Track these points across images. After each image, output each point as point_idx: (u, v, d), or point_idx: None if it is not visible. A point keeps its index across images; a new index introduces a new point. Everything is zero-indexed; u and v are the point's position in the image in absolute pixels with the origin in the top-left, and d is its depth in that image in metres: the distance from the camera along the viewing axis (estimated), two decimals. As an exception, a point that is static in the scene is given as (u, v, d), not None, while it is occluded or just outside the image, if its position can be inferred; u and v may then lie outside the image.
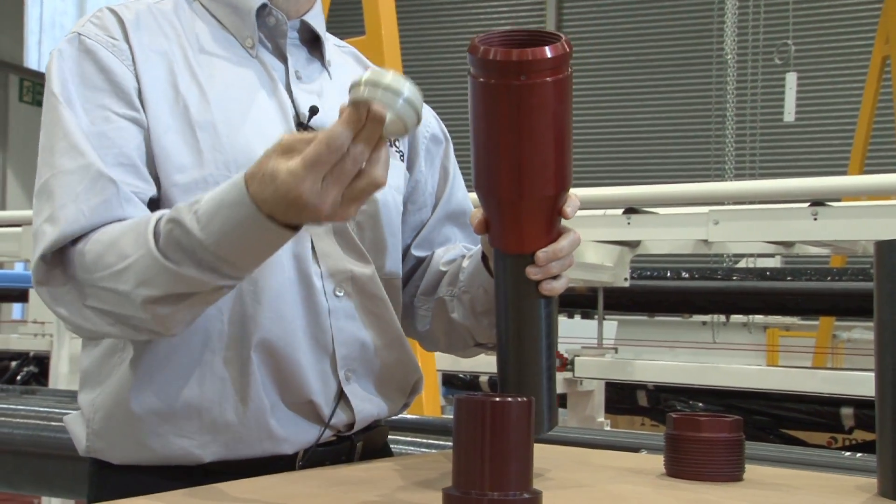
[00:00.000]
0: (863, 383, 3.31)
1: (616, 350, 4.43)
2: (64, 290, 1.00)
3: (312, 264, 1.11)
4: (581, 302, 5.40)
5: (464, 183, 1.34)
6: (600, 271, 3.96)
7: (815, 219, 3.22)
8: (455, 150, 1.35)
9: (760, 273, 5.55)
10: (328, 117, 1.11)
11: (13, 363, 5.21)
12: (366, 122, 0.86)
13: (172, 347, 1.06)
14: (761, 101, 9.18)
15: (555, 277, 1.01)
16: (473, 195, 1.11)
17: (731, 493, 0.97)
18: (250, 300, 1.07)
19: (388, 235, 1.20)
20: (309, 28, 1.20)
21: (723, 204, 3.81)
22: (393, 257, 1.21)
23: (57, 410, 2.23)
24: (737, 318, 7.71)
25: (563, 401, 4.20)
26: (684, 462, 1.02)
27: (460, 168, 1.35)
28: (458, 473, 0.83)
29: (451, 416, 0.85)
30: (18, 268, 6.79)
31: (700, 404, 4.81)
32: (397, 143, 1.25)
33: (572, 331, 5.69)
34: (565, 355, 3.95)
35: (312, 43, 1.22)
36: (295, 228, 0.92)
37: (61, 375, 4.16)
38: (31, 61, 12.43)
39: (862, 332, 7.38)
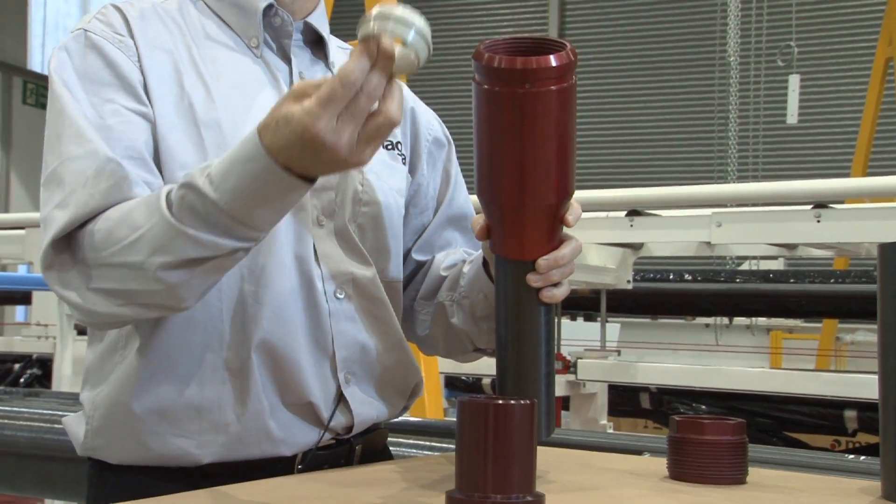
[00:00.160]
0: (866, 386, 3.31)
1: (619, 352, 4.43)
2: (72, 273, 1.00)
3: (314, 266, 1.11)
4: (584, 304, 5.41)
5: (465, 187, 1.34)
6: (603, 273, 3.96)
7: (819, 221, 3.22)
8: (458, 153, 1.35)
9: (763, 275, 5.55)
10: None
11: (16, 365, 5.21)
12: (377, 56, 0.86)
13: (173, 346, 1.06)
14: (764, 104, 9.17)
15: (555, 285, 1.01)
16: (475, 199, 1.11)
17: (734, 496, 0.97)
18: (251, 300, 1.07)
19: (389, 238, 1.20)
20: (313, 29, 1.20)
21: (726, 206, 3.81)
22: (394, 260, 1.21)
23: (60, 413, 2.23)
24: (740, 320, 7.69)
25: (565, 403, 4.20)
26: (687, 465, 1.02)
27: (463, 172, 1.35)
28: (461, 476, 0.83)
29: (454, 419, 0.85)
30: (22, 270, 6.80)
31: (703, 406, 4.80)
32: (399, 146, 1.26)
33: (575, 333, 5.69)
34: (568, 358, 3.96)
35: (316, 44, 1.22)
36: (311, 181, 0.91)
37: (64, 378, 4.17)
38: (35, 63, 12.45)
39: (865, 335, 7.37)
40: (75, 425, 1.15)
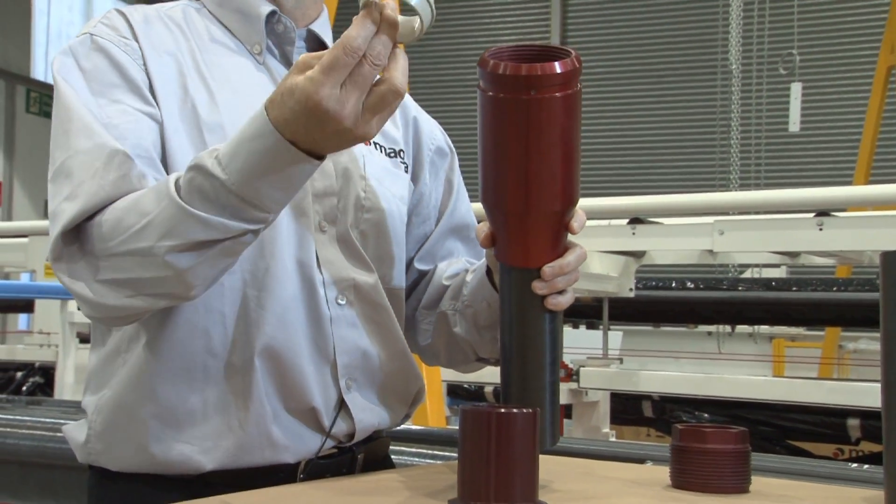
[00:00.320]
0: (869, 394, 3.31)
1: (621, 360, 4.43)
2: (80, 265, 0.99)
3: (316, 271, 1.11)
4: (586, 312, 5.40)
5: (468, 197, 1.34)
6: (605, 281, 3.96)
7: (821, 229, 3.22)
8: (461, 158, 1.35)
9: (766, 283, 5.55)
10: None
11: (19, 373, 5.21)
12: (380, 22, 0.86)
13: (176, 350, 1.06)
14: (766, 111, 9.18)
15: (560, 292, 1.01)
16: (477, 206, 1.11)
17: (737, 505, 0.96)
18: (254, 305, 1.07)
19: (391, 245, 1.20)
20: (316, 37, 1.21)
21: (728, 214, 3.81)
22: (397, 267, 1.21)
23: (62, 421, 2.23)
24: (742, 328, 7.68)
25: (568, 411, 4.19)
26: (690, 474, 1.02)
27: (466, 180, 1.35)
28: (463, 484, 0.83)
29: (456, 427, 0.85)
30: (25, 278, 6.80)
31: (705, 415, 4.80)
32: (401, 154, 1.26)
33: (577, 341, 5.68)
34: (570, 366, 3.95)
35: (319, 51, 1.22)
36: (319, 158, 0.91)
37: (67, 386, 4.17)
38: (38, 72, 12.49)
39: (868, 343, 7.35)
40: (76, 432, 1.14)
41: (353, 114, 0.87)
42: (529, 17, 12.08)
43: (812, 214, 3.29)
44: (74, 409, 2.60)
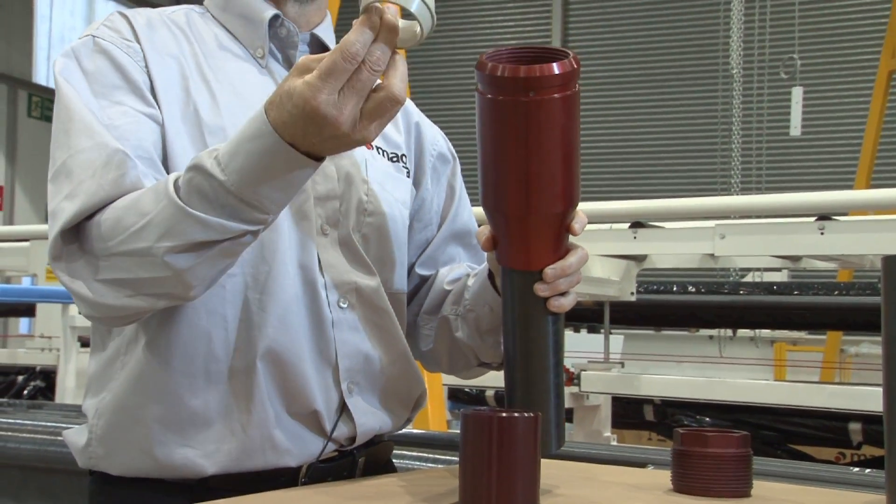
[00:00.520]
0: (871, 398, 3.30)
1: (622, 364, 4.42)
2: (79, 264, 0.99)
3: (318, 275, 1.11)
4: (587, 316, 5.39)
5: (470, 203, 1.34)
6: (606, 285, 3.96)
7: (822, 233, 3.22)
8: (462, 163, 1.35)
9: (767, 287, 5.54)
10: None
11: (20, 378, 5.21)
12: (380, 27, 0.85)
13: (177, 353, 1.06)
14: (767, 116, 9.18)
15: (563, 294, 1.01)
16: (478, 210, 1.11)
17: (738, 509, 0.96)
18: (256, 308, 1.07)
19: (393, 249, 1.20)
20: (319, 41, 1.21)
21: (729, 218, 3.81)
22: (398, 271, 1.21)
23: (63, 425, 2.23)
24: (744, 332, 7.68)
25: (569, 415, 4.19)
26: (692, 478, 1.02)
27: (468, 184, 1.35)
28: (464, 489, 0.83)
29: (457, 431, 0.85)
30: (26, 282, 6.80)
31: (707, 419, 4.79)
32: (403, 159, 1.26)
33: (578, 345, 5.67)
34: (571, 370, 3.95)
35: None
36: (318, 160, 0.91)
37: (68, 390, 4.17)
38: (40, 77, 12.49)
39: (870, 347, 7.35)
40: (76, 437, 1.14)
41: (351, 119, 0.87)
42: (530, 22, 12.09)
43: (813, 218, 3.29)
44: (75, 412, 2.59)
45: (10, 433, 2.34)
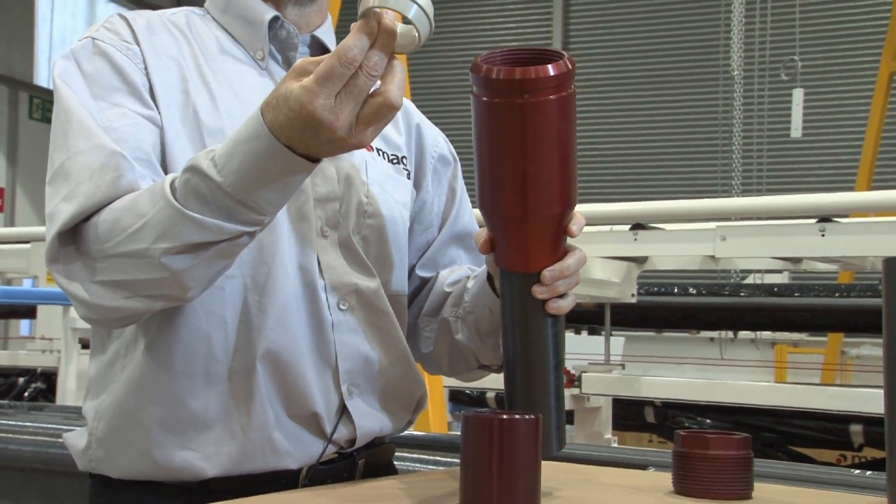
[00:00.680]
0: (872, 400, 3.30)
1: (623, 366, 4.42)
2: (76, 266, 0.99)
3: (317, 276, 1.11)
4: (588, 318, 5.39)
5: (471, 205, 1.34)
6: (607, 287, 3.96)
7: (823, 235, 3.22)
8: (463, 164, 1.35)
9: (768, 289, 5.54)
10: None
11: (21, 379, 5.21)
12: (378, 32, 0.85)
13: (177, 355, 1.06)
14: (768, 117, 9.18)
15: (561, 296, 1.01)
16: (477, 213, 1.11)
17: (739, 512, 0.96)
18: (256, 310, 1.07)
19: (393, 250, 1.20)
20: (320, 43, 1.21)
21: (730, 220, 3.81)
22: (399, 273, 1.21)
23: (64, 427, 2.23)
24: (744, 334, 7.67)
25: (570, 417, 4.19)
26: (692, 480, 1.02)
27: (467, 187, 1.35)
28: (465, 491, 0.83)
29: (458, 433, 0.85)
30: (27, 284, 6.81)
31: (708, 421, 4.79)
32: (404, 161, 1.26)
33: (579, 347, 5.68)
34: (572, 371, 3.95)
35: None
36: (314, 161, 0.91)
37: (69, 391, 4.17)
38: (42, 79, 12.50)
39: (871, 349, 7.34)
40: (76, 440, 1.14)
41: (347, 124, 0.87)
42: (531, 24, 12.09)
43: (814, 220, 3.29)
44: (76, 414, 2.59)
45: (10, 435, 2.34)
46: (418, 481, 1.13)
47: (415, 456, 1.82)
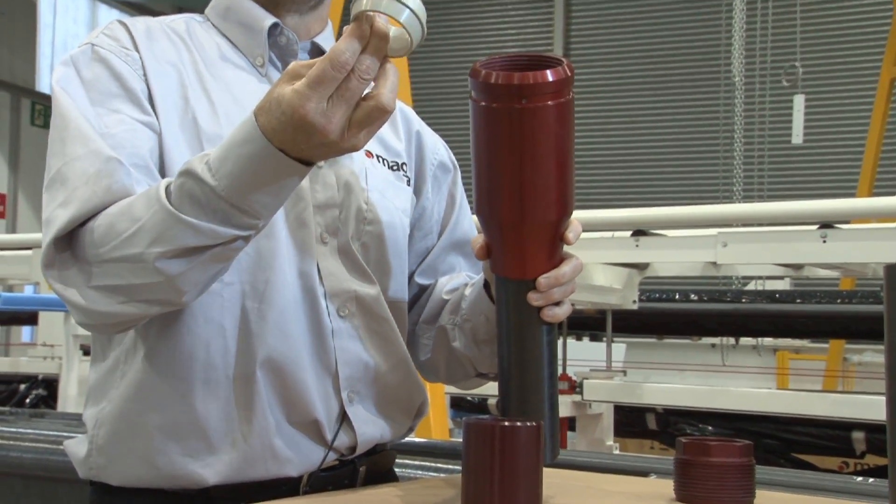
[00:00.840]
0: (874, 407, 3.29)
1: (625, 373, 4.42)
2: (72, 271, 0.98)
3: (317, 283, 1.11)
4: (589, 324, 5.39)
5: (471, 213, 1.34)
6: (608, 293, 3.96)
7: (825, 241, 3.21)
8: (462, 171, 1.35)
9: (770, 295, 5.54)
10: None
11: (22, 386, 5.21)
12: (370, 36, 0.85)
13: (177, 362, 1.05)
14: (769, 123, 9.19)
15: (557, 304, 1.00)
16: (476, 219, 1.11)
17: (741, 519, 0.96)
18: (255, 317, 1.07)
19: (393, 257, 1.19)
20: (320, 50, 1.21)
21: (731, 226, 3.80)
22: (398, 279, 1.21)
23: (66, 434, 2.23)
24: (746, 340, 7.67)
25: (571, 424, 4.18)
26: (694, 487, 1.01)
27: (466, 193, 1.35)
28: (466, 498, 0.83)
29: (460, 440, 0.85)
30: (28, 290, 6.82)
31: (709, 427, 4.78)
32: (404, 167, 1.26)
33: (581, 353, 5.67)
34: (574, 378, 3.95)
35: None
36: (308, 164, 0.91)
37: (70, 398, 4.17)
38: (44, 85, 12.53)
39: (873, 355, 7.33)
40: (77, 447, 1.14)
41: (339, 127, 0.87)
42: (532, 29, 12.11)
43: (816, 226, 3.28)
44: (77, 421, 2.59)
45: (12, 442, 2.34)
46: (419, 488, 1.13)
47: (416, 463, 1.82)
